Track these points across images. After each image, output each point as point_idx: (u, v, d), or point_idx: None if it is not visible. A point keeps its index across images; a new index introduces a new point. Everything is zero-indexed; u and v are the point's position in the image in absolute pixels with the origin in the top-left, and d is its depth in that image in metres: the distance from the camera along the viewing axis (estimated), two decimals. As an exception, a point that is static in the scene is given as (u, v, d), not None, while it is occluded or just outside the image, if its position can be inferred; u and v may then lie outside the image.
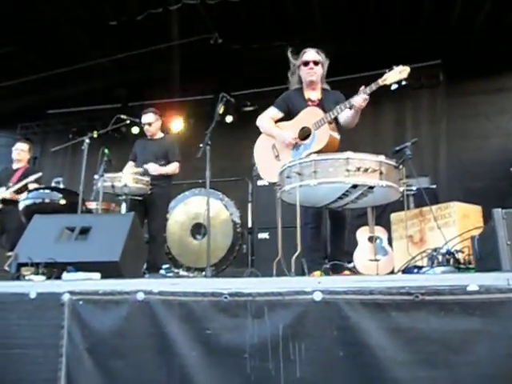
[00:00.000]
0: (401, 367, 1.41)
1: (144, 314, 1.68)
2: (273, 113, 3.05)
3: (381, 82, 2.61)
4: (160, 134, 4.45)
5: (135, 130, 6.34)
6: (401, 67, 2.58)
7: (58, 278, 2.35)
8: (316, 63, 2.95)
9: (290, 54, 3.03)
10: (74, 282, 2.05)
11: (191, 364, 1.59)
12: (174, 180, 4.49)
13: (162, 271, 4.16)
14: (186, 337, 1.62)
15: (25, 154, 5.01)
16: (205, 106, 6.42)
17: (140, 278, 2.56)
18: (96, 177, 3.87)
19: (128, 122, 4.33)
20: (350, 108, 2.71)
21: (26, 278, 2.29)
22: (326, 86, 3.07)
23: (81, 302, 1.77)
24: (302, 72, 2.99)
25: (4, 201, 4.60)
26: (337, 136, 2.81)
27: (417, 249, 3.31)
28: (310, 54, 2.98)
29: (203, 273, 3.48)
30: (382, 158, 2.37)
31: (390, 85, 2.62)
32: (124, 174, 3.95)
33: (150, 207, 4.12)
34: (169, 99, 6.81)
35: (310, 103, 2.96)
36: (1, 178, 4.84)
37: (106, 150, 3.98)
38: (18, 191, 4.52)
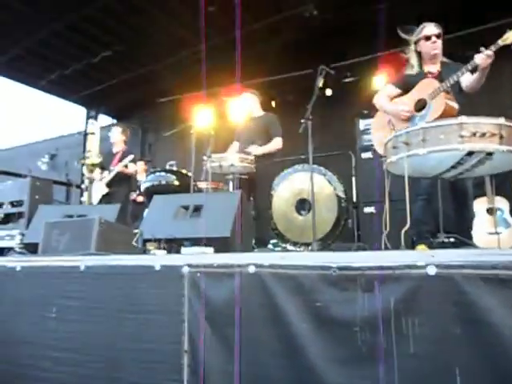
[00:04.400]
0: (530, 348, 1.29)
1: (255, 285, 1.75)
2: (389, 90, 3.05)
3: (501, 42, 2.41)
4: (260, 112, 4.52)
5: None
6: None
7: (177, 252, 2.57)
8: (438, 36, 2.89)
9: (400, 31, 2.99)
10: (191, 256, 2.21)
11: (302, 334, 1.63)
12: (278, 157, 4.56)
13: (270, 246, 4.30)
14: (297, 308, 1.66)
15: (118, 137, 5.40)
16: (304, 81, 6.35)
17: (250, 252, 2.68)
18: (205, 158, 4.10)
19: (230, 103, 4.48)
20: (472, 72, 2.58)
21: (151, 252, 2.55)
22: (446, 59, 2.96)
23: (198, 274, 1.91)
24: (423, 47, 2.93)
25: (109, 185, 5.09)
26: (454, 105, 2.65)
27: (547, 220, 2.96)
28: (431, 27, 2.91)
29: (310, 247, 3.51)
30: (501, 120, 2.13)
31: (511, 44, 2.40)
32: (230, 154, 4.13)
33: (254, 185, 4.25)
34: (267, 78, 6.86)
35: (429, 76, 2.85)
36: (106, 162, 5.32)
37: (212, 132, 4.18)
38: (116, 177, 4.96)
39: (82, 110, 8.67)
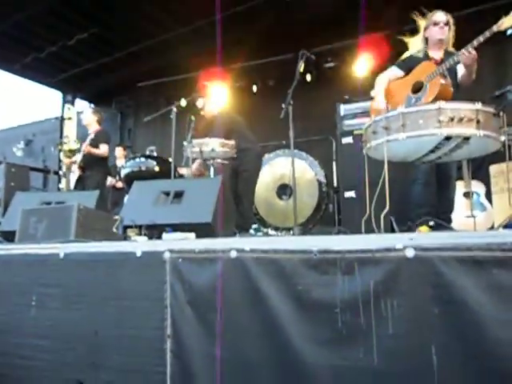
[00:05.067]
0: (503, 327, 1.33)
1: (237, 270, 1.76)
2: (392, 72, 3.10)
3: (496, 28, 2.42)
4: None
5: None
6: None
7: (159, 237, 2.56)
8: (446, 24, 2.97)
9: (415, 16, 3.08)
10: (173, 242, 2.20)
11: (284, 318, 1.65)
12: (260, 142, 4.52)
13: (252, 231, 4.30)
14: (278, 292, 1.68)
15: (90, 117, 5.26)
16: (285, 66, 6.31)
17: (232, 237, 2.69)
18: (185, 143, 4.05)
19: (211, 87, 4.42)
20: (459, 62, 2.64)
21: (132, 238, 2.53)
22: (452, 49, 3.01)
23: (180, 260, 1.91)
24: (431, 32, 3.01)
25: (82, 168, 4.98)
26: (450, 89, 2.71)
27: (521, 203, 3.04)
28: (440, 14, 2.99)
29: (291, 232, 3.54)
30: (478, 105, 2.17)
31: (506, 30, 2.42)
32: (211, 139, 4.07)
33: (237, 171, 4.23)
34: (248, 62, 6.80)
35: (432, 60, 2.92)
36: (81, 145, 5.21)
37: (193, 117, 4.13)
38: (86, 159, 4.86)
39: (58, 95, 8.46)
